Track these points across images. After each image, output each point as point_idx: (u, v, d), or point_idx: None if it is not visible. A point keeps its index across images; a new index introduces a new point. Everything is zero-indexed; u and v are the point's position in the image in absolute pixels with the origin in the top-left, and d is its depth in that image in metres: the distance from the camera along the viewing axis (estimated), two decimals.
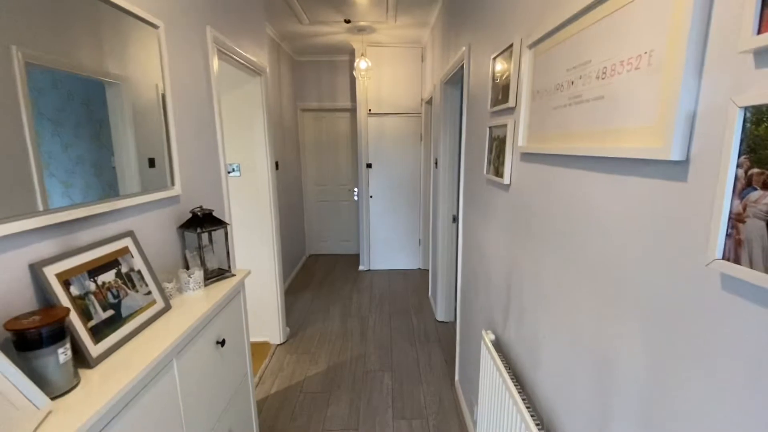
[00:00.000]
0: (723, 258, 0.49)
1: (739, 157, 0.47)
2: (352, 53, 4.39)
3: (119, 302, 1.05)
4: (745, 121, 0.46)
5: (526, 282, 1.19)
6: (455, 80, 2.67)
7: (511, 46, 1.27)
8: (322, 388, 2.39)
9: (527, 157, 1.17)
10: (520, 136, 1.19)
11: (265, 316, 2.87)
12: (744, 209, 0.46)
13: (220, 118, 1.85)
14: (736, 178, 0.47)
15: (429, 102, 3.90)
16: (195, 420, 1.17)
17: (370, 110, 4.20)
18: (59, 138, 0.95)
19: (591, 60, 0.81)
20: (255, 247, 2.77)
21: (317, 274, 4.43)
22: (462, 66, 2.16)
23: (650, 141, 0.63)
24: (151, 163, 1.34)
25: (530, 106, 1.14)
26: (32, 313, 0.81)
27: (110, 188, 1.13)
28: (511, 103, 1.27)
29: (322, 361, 2.69)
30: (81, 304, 0.94)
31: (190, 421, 1.14)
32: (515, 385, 1.16)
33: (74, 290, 0.94)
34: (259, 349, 2.81)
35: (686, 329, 0.57)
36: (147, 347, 1.00)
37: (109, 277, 1.05)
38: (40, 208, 0.89)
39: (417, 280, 4.25)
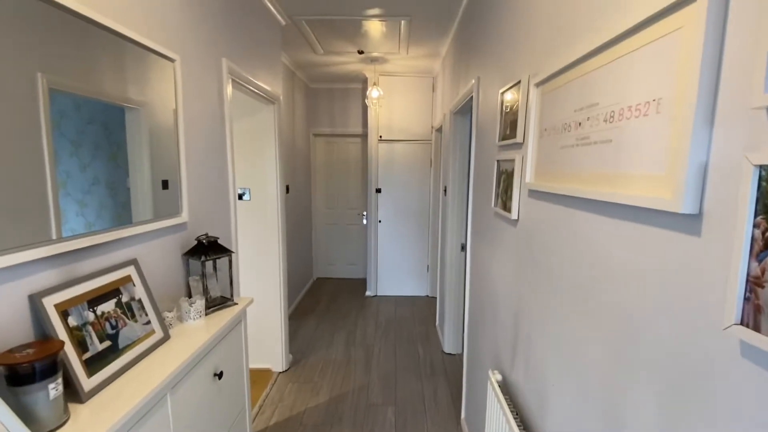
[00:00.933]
0: (741, 323, 0.46)
1: (755, 217, 0.44)
2: (364, 81, 4.50)
3: (117, 333, 1.04)
4: (760, 179, 0.44)
5: (533, 321, 1.15)
6: (465, 110, 2.69)
7: (518, 83, 1.28)
8: (323, 420, 2.31)
9: (535, 194, 1.15)
10: (528, 173, 1.17)
11: (268, 343, 2.82)
12: (762, 273, 0.43)
13: (231, 145, 1.89)
14: (753, 239, 0.44)
15: (439, 130, 3.94)
16: None
17: (381, 137, 4.25)
18: (77, 159, 0.98)
19: (599, 102, 0.80)
20: (261, 272, 2.76)
21: (323, 299, 4.39)
22: (471, 97, 2.18)
23: (660, 191, 0.60)
24: (165, 185, 1.37)
25: (538, 143, 1.13)
26: (26, 346, 0.80)
27: (123, 209, 1.15)
28: (518, 139, 1.26)
29: (324, 391, 2.61)
30: (78, 336, 0.93)
31: None
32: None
33: (72, 321, 0.93)
34: (260, 377, 2.75)
35: (701, 392, 0.53)
36: (141, 380, 0.98)
37: (108, 306, 1.04)
38: (53, 232, 0.91)
39: (424, 307, 4.17)
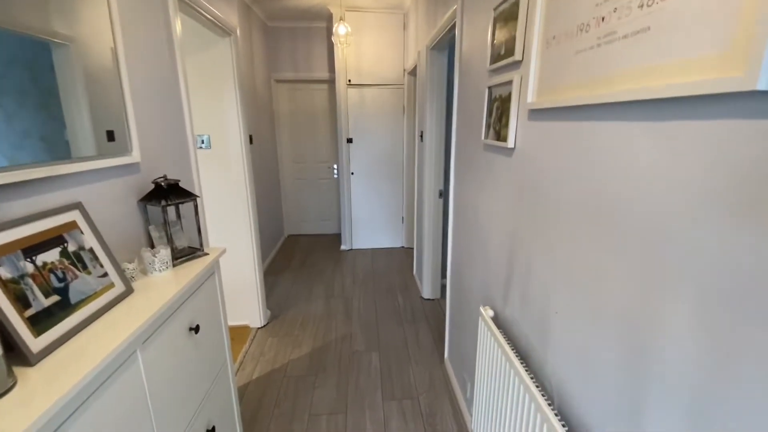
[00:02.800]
0: None
1: None
2: (329, 19, 4.12)
3: (66, 286, 0.88)
4: None
5: (533, 254, 1.10)
6: (443, 45, 2.50)
7: None
8: (307, 371, 2.28)
9: (538, 114, 1.05)
10: (530, 92, 1.06)
11: (244, 299, 2.71)
12: None
13: (185, 79, 1.64)
14: None
15: (412, 73, 3.72)
16: (168, 416, 1.03)
17: (349, 81, 3.97)
18: (1, 109, 0.81)
19: None
20: (230, 226, 2.58)
21: (297, 255, 4.27)
22: (452, 26, 2.00)
23: (723, 71, 0.51)
24: (110, 136, 1.17)
25: (542, 55, 1.01)
26: None
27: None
28: (517, 56, 1.14)
29: (306, 343, 2.57)
30: (14, 289, 0.77)
31: (162, 418, 1.00)
32: (521, 363, 1.08)
33: (4, 272, 0.76)
34: (238, 333, 2.66)
35: (760, 295, 0.47)
36: (103, 337, 0.84)
37: (51, 256, 0.87)
38: None
39: (401, 258, 4.16)
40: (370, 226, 4.43)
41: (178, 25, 1.57)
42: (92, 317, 0.91)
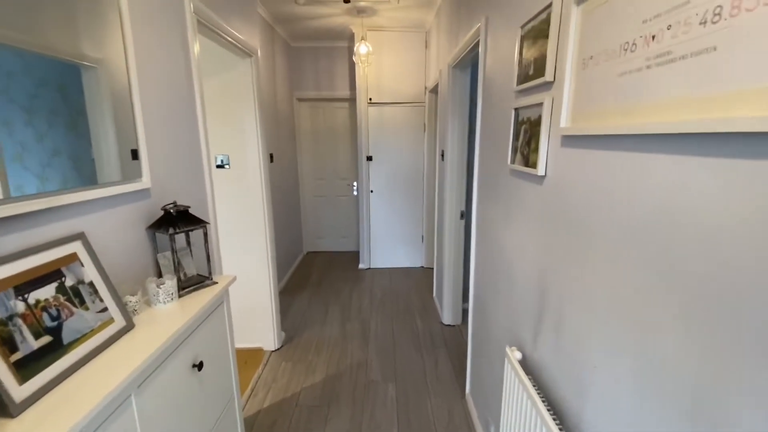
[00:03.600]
0: None
1: None
2: (351, 39, 4.14)
3: (60, 325, 0.83)
4: None
5: (567, 296, 0.98)
6: (465, 63, 2.43)
7: (549, 6, 1.05)
8: (320, 400, 2.18)
9: (573, 140, 0.95)
10: (562, 116, 0.96)
11: (258, 321, 2.65)
12: None
13: (202, 101, 1.62)
14: None
15: (433, 91, 3.67)
16: None
17: (370, 99, 3.96)
18: (33, 128, 0.83)
19: (690, 0, 0.58)
20: (247, 246, 2.55)
21: (315, 273, 4.21)
22: (476, 44, 1.92)
23: None
24: (134, 155, 1.17)
25: (577, 76, 0.91)
26: None
27: (91, 182, 1.00)
28: (548, 77, 1.04)
29: (320, 369, 2.48)
30: (1, 332, 0.71)
31: None
32: (553, 418, 0.95)
33: None
34: (251, 356, 2.59)
35: None
36: (95, 382, 0.78)
37: (46, 293, 0.82)
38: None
39: (420, 279, 4.04)
40: (388, 245, 4.34)
41: (196, 48, 1.56)
42: (87, 357, 0.85)
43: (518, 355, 1.26)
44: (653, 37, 0.66)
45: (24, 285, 0.78)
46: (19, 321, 0.75)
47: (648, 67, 0.67)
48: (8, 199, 0.77)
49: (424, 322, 3.11)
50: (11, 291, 0.76)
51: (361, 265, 4.36)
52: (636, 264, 0.71)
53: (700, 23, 0.57)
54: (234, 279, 1.38)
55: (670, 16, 0.62)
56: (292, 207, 4.39)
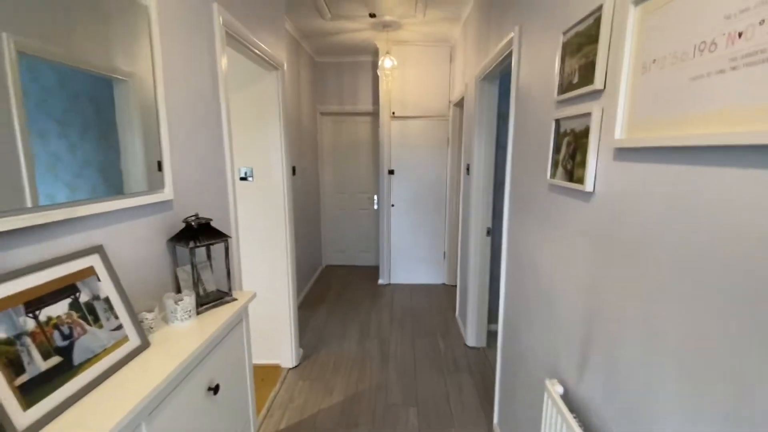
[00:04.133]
0: None
1: None
2: (375, 53, 4.15)
3: (71, 344, 0.78)
4: None
5: (624, 326, 0.86)
6: (494, 75, 2.36)
7: (598, 9, 0.96)
8: (337, 424, 2.08)
9: (629, 153, 0.85)
10: (617, 126, 0.87)
11: (276, 337, 2.59)
12: None
13: (228, 114, 1.60)
14: None
15: (458, 105, 3.60)
16: None
17: (393, 113, 3.92)
18: (66, 140, 0.86)
19: None
20: (267, 260, 2.50)
21: (334, 288, 4.14)
22: (507, 54, 1.85)
23: None
24: (160, 166, 1.14)
25: (635, 83, 0.82)
26: None
27: (117, 192, 0.99)
28: (597, 85, 0.96)
29: (338, 390, 2.37)
30: (7, 352, 0.67)
31: None
32: None
33: None
34: (268, 373, 2.52)
35: None
36: (105, 408, 0.72)
37: (59, 309, 0.78)
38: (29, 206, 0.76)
39: (441, 296, 3.90)
40: (409, 261, 4.24)
41: (224, 61, 1.55)
42: (97, 380, 0.80)
43: (560, 389, 1.14)
44: (739, 34, 0.57)
45: (35, 301, 0.74)
46: (28, 340, 0.70)
47: (733, 68, 0.58)
48: (23, 209, 0.74)
49: (446, 342, 2.97)
50: (21, 308, 0.71)
51: (380, 281, 4.26)
52: (715, 295, 0.60)
53: None
54: (254, 296, 1.32)
55: (760, 10, 0.53)
56: (313, 220, 4.36)
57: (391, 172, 4.06)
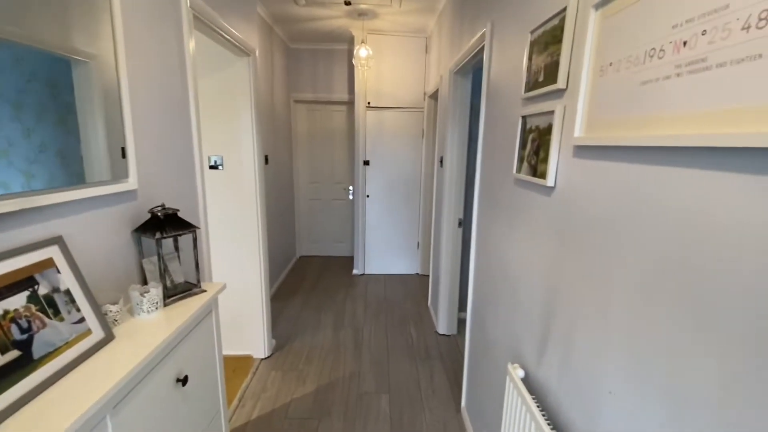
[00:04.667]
0: None
1: None
2: (351, 42, 4.10)
3: (30, 338, 0.76)
4: None
5: (578, 312, 0.92)
6: (467, 69, 2.39)
7: (562, 11, 1.00)
8: (310, 413, 2.10)
9: (587, 151, 0.90)
10: (576, 125, 0.92)
11: (248, 327, 2.57)
12: None
13: (196, 100, 1.55)
14: None
15: (432, 96, 3.63)
16: None
17: (369, 103, 3.91)
18: (20, 123, 0.82)
19: (729, 4, 0.54)
20: (238, 250, 2.47)
21: (308, 278, 4.13)
22: (480, 49, 1.88)
23: None
24: (124, 153, 1.10)
25: (594, 84, 0.87)
26: None
27: (78, 180, 0.95)
28: (560, 84, 1.00)
29: (311, 380, 2.40)
30: None
31: None
32: None
33: None
34: (240, 364, 2.51)
35: None
36: (66, 402, 0.71)
37: (16, 302, 0.75)
38: None
39: (415, 286, 3.98)
40: (384, 251, 4.28)
41: (191, 44, 1.50)
42: (58, 374, 0.78)
43: (521, 372, 1.21)
44: (684, 42, 0.62)
45: None
46: None
47: (678, 75, 0.63)
48: None
49: (418, 331, 3.04)
50: None
51: (355, 271, 4.29)
52: (660, 283, 0.66)
53: (743, 28, 0.52)
54: (224, 287, 1.31)
55: (707, 21, 0.58)
56: (286, 210, 4.31)
57: (366, 162, 4.06)
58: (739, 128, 0.52)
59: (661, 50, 0.67)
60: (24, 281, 0.78)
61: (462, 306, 3.03)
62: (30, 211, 0.83)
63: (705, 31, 0.58)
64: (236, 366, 2.49)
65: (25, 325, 0.76)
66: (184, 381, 1.05)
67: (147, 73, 1.23)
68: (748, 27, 0.51)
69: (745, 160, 0.52)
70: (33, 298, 0.79)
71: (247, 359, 2.57)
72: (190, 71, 1.51)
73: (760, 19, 0.50)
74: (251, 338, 2.59)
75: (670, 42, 0.65)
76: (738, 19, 0.53)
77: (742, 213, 0.52)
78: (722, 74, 0.55)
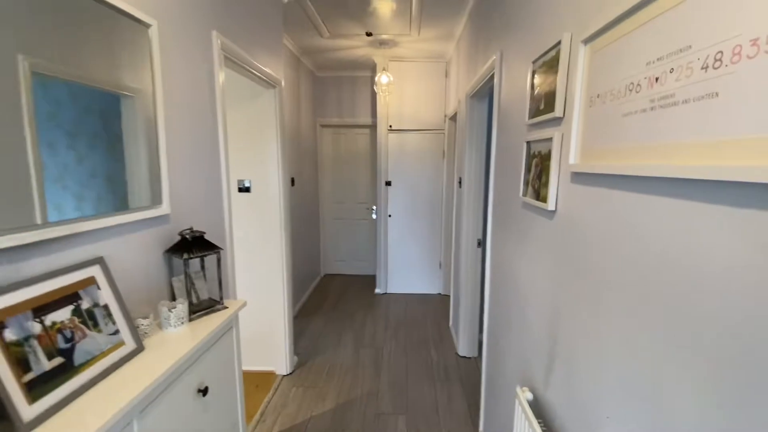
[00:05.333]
0: None
1: None
2: (373, 69, 4.28)
3: (73, 347, 0.86)
4: None
5: (576, 335, 0.94)
6: (483, 93, 2.46)
7: (558, 44, 1.06)
8: (328, 431, 2.13)
9: (581, 177, 0.93)
10: (571, 152, 0.95)
11: (271, 344, 2.66)
12: None
13: (225, 131, 1.70)
14: None
15: (453, 118, 3.71)
16: None
17: (390, 126, 4.03)
18: (74, 151, 0.91)
19: (691, 45, 0.58)
20: (264, 268, 2.59)
21: (331, 297, 4.21)
22: (491, 76, 1.95)
23: None
24: (159, 179, 1.24)
25: (586, 114, 0.91)
26: None
27: (121, 202, 1.09)
28: (557, 113, 1.04)
29: (331, 397, 2.43)
30: (16, 353, 0.75)
31: None
32: None
33: (9, 335, 0.75)
34: (263, 380, 2.59)
35: None
36: (101, 404, 0.80)
37: (62, 315, 0.86)
38: (38, 221, 0.84)
39: (437, 306, 3.96)
40: (406, 270, 4.30)
41: (221, 80, 1.66)
42: (95, 379, 0.88)
43: (529, 396, 1.21)
44: (657, 79, 0.66)
45: (42, 307, 0.83)
46: (35, 342, 0.79)
47: (652, 108, 0.67)
48: (32, 226, 0.83)
49: (439, 352, 3.03)
50: (30, 313, 0.80)
51: (377, 290, 4.33)
52: (647, 313, 0.68)
53: (702, 68, 0.56)
54: (244, 304, 1.40)
55: (673, 60, 0.62)
56: (312, 229, 4.45)
57: (388, 183, 4.15)
58: (701, 161, 0.55)
59: (638, 85, 0.71)
60: (70, 296, 0.90)
61: (483, 327, 2.99)
62: (79, 234, 0.95)
63: (672, 69, 0.62)
64: (259, 381, 2.57)
65: (69, 335, 0.86)
66: (204, 391, 1.13)
67: (180, 105, 1.37)
68: (707, 67, 0.55)
69: (706, 191, 0.55)
70: (76, 312, 0.90)
71: (269, 375, 2.65)
72: (219, 103, 1.66)
73: (716, 60, 0.54)
74: (274, 354, 2.67)
75: (645, 78, 0.69)
76: (699, 59, 0.57)
77: (707, 239, 0.55)
78: (687, 110, 0.59)
